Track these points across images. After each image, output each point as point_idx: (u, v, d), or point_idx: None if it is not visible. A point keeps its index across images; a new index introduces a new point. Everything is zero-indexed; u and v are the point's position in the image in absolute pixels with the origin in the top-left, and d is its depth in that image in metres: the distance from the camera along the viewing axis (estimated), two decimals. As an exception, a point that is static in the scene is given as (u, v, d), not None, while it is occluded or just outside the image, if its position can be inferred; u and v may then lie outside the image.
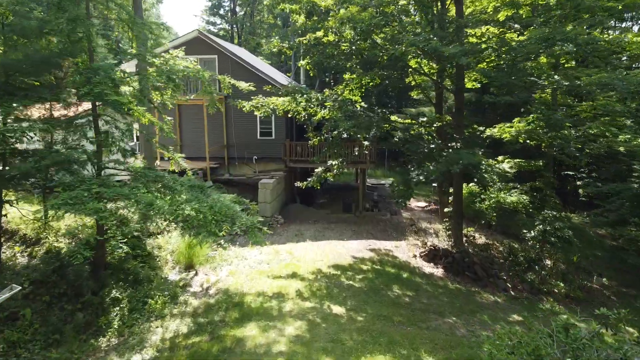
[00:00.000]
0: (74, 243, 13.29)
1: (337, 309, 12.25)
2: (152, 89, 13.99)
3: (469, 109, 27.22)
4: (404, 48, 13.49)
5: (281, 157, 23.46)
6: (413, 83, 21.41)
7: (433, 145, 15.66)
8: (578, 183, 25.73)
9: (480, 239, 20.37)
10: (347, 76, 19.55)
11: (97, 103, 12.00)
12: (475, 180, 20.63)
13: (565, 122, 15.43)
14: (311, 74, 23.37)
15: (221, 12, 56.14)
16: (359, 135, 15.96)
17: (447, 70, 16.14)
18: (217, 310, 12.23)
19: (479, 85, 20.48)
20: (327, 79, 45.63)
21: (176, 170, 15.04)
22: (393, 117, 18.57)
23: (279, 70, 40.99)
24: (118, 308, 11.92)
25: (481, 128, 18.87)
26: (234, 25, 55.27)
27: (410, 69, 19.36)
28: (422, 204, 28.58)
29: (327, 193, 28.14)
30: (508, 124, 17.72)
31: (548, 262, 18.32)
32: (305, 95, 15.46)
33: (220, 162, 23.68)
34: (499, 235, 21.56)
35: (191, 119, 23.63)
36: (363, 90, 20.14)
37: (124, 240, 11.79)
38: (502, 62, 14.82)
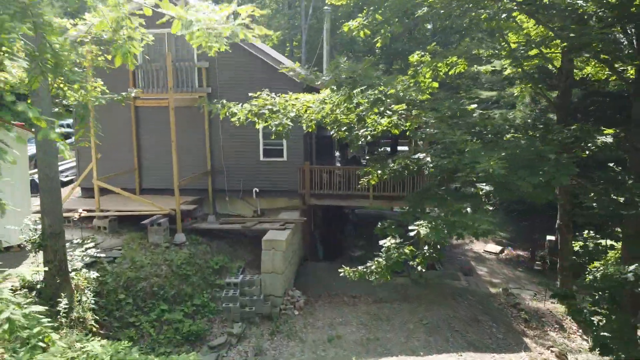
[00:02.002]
0: None
1: None
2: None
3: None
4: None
5: (297, 190, 14.97)
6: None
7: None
8: None
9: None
10: (415, 57, 11.03)
11: None
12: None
13: None
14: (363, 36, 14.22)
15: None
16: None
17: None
18: None
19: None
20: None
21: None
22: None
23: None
24: None
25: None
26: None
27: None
28: (493, 246, 20.11)
29: (358, 230, 19.49)
30: None
31: None
32: (369, 90, 6.99)
33: (200, 197, 15.17)
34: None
35: (155, 129, 15.13)
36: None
37: None
38: None
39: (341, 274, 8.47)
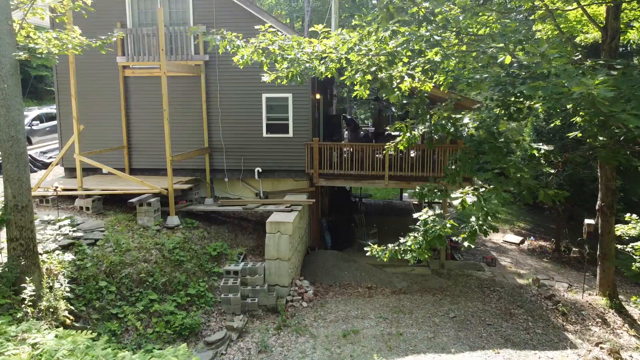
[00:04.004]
0: None
1: None
2: None
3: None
4: None
5: (304, 170, 13.46)
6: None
7: None
8: None
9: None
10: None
11: None
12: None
13: None
14: None
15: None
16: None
17: None
18: None
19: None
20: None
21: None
22: None
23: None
24: None
25: None
26: None
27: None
28: (512, 236, 18.65)
29: (368, 219, 17.97)
30: None
31: None
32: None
33: (197, 177, 13.64)
34: None
35: (147, 103, 13.60)
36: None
37: None
38: None
39: (367, 254, 6.95)
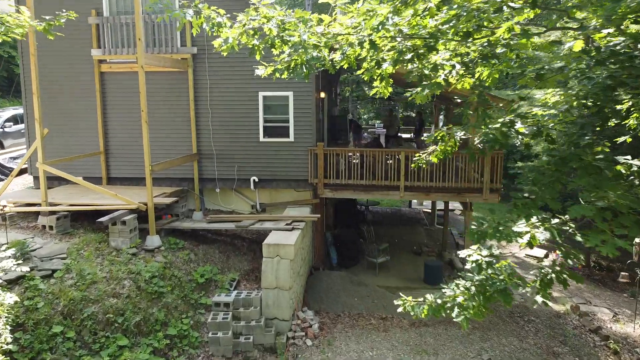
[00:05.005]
0: None
1: None
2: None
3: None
4: None
5: (306, 179, 11.72)
6: None
7: None
8: None
9: None
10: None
11: None
12: None
13: None
14: None
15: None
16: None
17: None
18: None
19: None
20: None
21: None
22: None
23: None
24: None
25: None
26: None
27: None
28: (535, 249, 16.92)
29: (376, 230, 16.14)
30: None
31: None
32: None
33: (184, 187, 11.89)
34: None
35: (127, 102, 11.83)
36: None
37: None
38: None
39: (398, 308, 5.19)
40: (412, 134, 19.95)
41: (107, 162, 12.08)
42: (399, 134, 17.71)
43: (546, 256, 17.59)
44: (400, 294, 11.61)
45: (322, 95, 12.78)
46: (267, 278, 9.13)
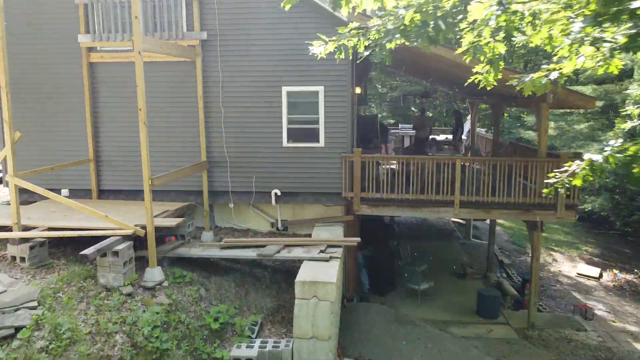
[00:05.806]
0: None
1: None
2: None
3: None
4: None
5: (338, 192, 9.66)
6: None
7: None
8: None
9: None
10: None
11: None
12: None
13: None
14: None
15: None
16: None
17: None
18: None
19: None
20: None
21: None
22: None
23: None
24: None
25: None
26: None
27: None
28: (586, 267, 14.92)
29: (404, 244, 13.99)
30: None
31: None
32: None
33: (191, 202, 9.81)
34: None
35: (122, 99, 9.75)
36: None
37: None
38: None
39: None
40: (447, 136, 17.85)
41: (98, 172, 10.01)
42: (432, 136, 15.67)
43: (600, 275, 15.44)
44: (453, 330, 9.57)
45: (358, 90, 10.73)
46: (300, 325, 7.08)
